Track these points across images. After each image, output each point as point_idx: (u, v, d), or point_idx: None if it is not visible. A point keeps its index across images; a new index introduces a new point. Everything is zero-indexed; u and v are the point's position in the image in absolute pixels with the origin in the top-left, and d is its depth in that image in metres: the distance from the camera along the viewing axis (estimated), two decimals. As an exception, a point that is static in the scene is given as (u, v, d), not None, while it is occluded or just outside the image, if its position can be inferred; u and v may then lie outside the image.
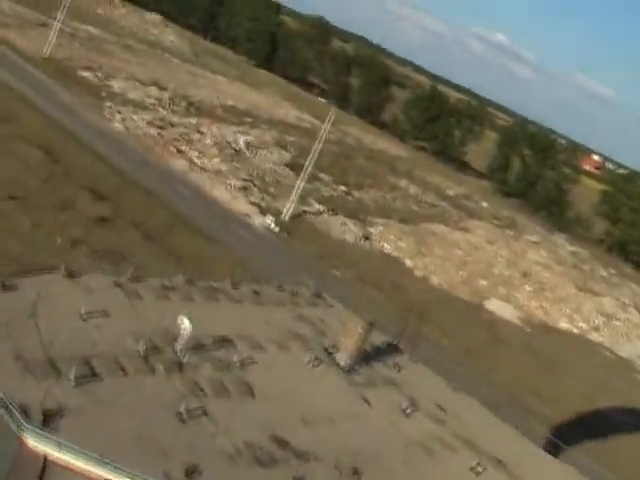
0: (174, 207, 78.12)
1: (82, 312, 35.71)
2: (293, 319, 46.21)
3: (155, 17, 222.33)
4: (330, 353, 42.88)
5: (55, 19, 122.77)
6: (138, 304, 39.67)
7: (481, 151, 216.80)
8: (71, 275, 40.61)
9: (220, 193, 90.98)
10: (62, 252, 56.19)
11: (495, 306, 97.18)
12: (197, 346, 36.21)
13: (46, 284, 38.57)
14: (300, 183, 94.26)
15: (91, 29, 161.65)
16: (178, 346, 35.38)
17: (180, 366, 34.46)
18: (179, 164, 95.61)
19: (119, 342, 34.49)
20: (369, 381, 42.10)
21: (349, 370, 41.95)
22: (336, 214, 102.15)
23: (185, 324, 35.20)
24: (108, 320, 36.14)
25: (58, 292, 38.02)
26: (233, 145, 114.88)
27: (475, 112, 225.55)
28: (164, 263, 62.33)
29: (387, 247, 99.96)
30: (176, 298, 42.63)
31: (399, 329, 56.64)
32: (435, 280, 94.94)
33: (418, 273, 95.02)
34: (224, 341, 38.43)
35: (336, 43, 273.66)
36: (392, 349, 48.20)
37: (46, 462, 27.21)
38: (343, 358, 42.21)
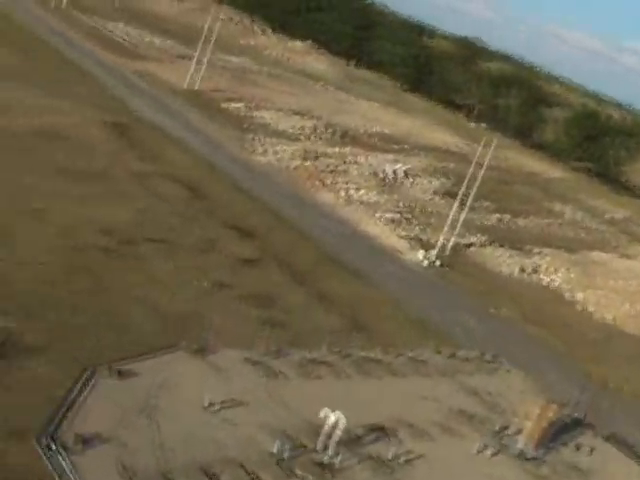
0: (323, 244, 73.69)
1: (208, 403, 30.44)
2: (461, 393, 39.65)
3: (300, 44, 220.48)
4: (507, 436, 36.31)
5: (199, 51, 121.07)
6: (277, 386, 33.95)
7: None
8: (199, 352, 35.62)
9: (371, 227, 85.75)
10: (206, 297, 53.10)
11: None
12: (349, 441, 29.99)
13: (169, 365, 33.61)
14: (457, 213, 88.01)
15: (235, 59, 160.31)
16: (322, 444, 29.38)
17: (327, 470, 28.63)
18: (327, 197, 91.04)
19: (252, 441, 28.70)
20: (554, 471, 34.87)
21: (530, 459, 35.34)
22: (494, 245, 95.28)
23: (331, 419, 29.20)
24: (240, 411, 30.51)
25: (182, 376, 32.90)
26: (384, 175, 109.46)
27: (636, 129, 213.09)
28: (312, 307, 58.20)
29: (548, 279, 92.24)
30: (325, 374, 36.88)
31: (581, 395, 49.54)
32: (601, 314, 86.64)
33: (582, 307, 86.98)
34: (382, 430, 32.40)
35: (482, 64, 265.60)
36: (577, 423, 41.01)
37: None
38: (523, 444, 35.57)
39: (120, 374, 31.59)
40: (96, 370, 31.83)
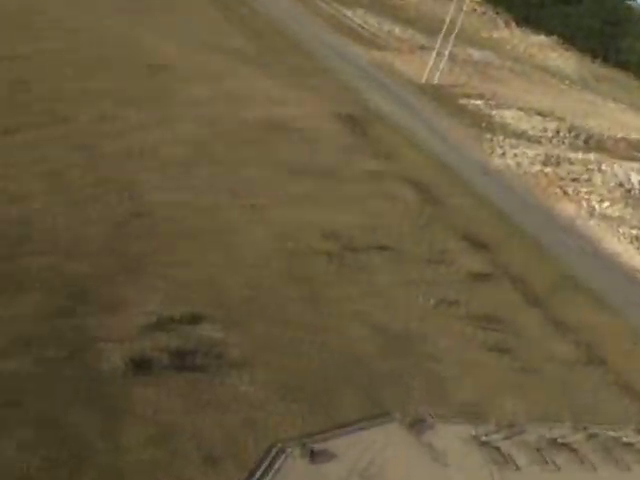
0: (561, 261, 66.67)
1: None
2: None
3: (544, 39, 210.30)
4: None
5: (439, 42, 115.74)
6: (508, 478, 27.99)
7: None
8: (413, 427, 30.09)
9: (613, 244, 77.82)
10: (431, 316, 48.13)
11: None
12: None
13: (374, 445, 28.24)
14: None
15: (475, 53, 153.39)
16: None
17: None
18: (568, 208, 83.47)
19: None
20: None
21: None
22: None
23: None
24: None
25: (389, 461, 27.45)
26: (630, 186, 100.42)
27: None
28: (545, 334, 51.77)
29: None
30: (564, 461, 30.48)
31: None
32: None
33: None
34: None
35: None
36: None
37: None
38: None
39: (313, 455, 26.66)
40: (285, 447, 27.02)
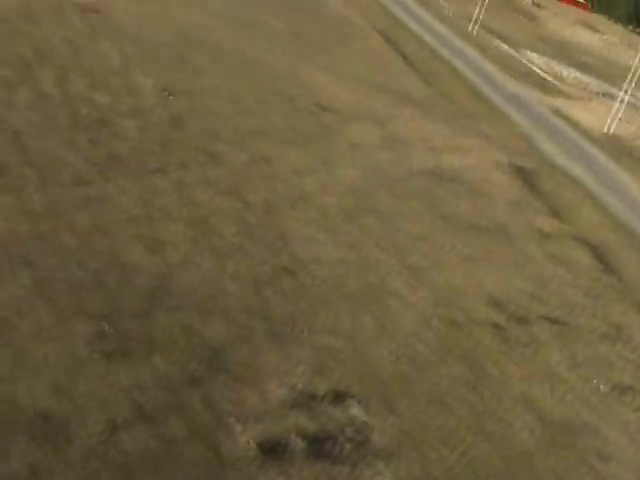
0: None
1: None
2: None
3: None
4: None
5: (623, 91, 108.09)
6: None
7: None
8: None
9: None
10: (601, 404, 42.68)
11: None
12: None
13: None
14: None
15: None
16: None
17: None
18: None
19: None
20: None
21: None
22: None
23: None
24: None
25: None
26: None
27: None
28: None
29: None
30: None
31: None
32: None
33: None
34: None
35: None
36: None
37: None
38: None
39: None
40: None
